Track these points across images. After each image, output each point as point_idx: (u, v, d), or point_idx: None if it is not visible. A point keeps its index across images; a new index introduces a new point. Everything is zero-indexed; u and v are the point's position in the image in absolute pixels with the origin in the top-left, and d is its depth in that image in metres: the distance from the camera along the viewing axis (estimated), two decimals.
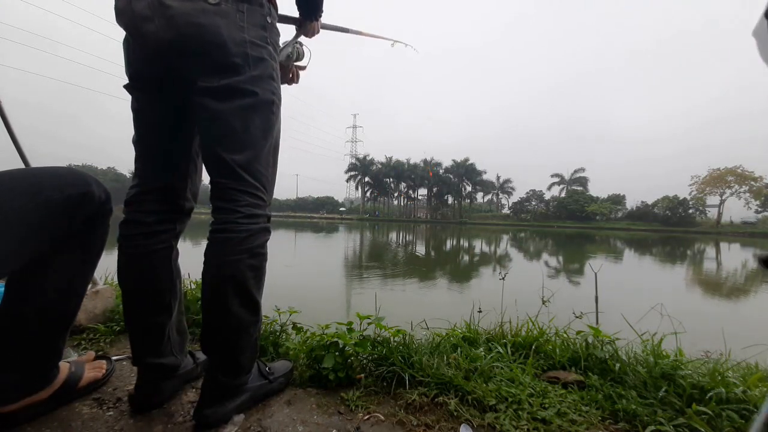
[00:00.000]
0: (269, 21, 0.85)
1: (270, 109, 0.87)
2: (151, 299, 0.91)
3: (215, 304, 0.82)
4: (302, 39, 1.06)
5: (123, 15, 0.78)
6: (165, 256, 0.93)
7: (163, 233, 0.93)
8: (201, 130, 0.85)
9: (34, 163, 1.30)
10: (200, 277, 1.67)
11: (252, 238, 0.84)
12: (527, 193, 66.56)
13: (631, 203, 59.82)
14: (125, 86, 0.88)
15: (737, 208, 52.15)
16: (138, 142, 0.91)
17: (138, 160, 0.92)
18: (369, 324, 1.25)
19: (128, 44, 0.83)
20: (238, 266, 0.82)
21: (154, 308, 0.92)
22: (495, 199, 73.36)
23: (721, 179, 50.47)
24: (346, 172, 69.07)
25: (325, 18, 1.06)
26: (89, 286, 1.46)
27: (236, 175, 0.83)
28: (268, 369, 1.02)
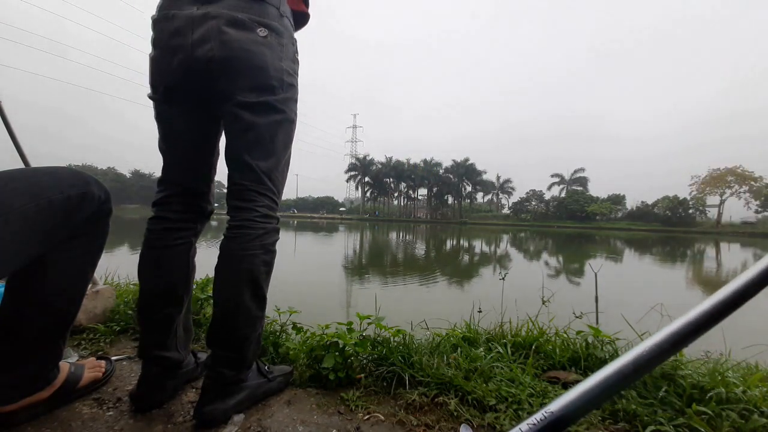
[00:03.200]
0: (297, 57, 1.00)
1: (291, 126, 0.98)
2: (165, 291, 0.95)
3: (229, 294, 0.88)
4: None
5: (179, 36, 0.85)
6: (184, 251, 0.98)
7: (184, 230, 0.99)
8: (232, 137, 0.93)
9: (34, 163, 1.31)
10: (199, 276, 1.68)
11: (266, 235, 0.92)
12: (527, 193, 66.55)
13: (631, 203, 59.84)
14: (153, 98, 0.93)
15: (737, 208, 52.16)
16: (167, 151, 0.97)
17: (166, 167, 0.99)
18: (369, 324, 1.25)
19: (168, 61, 0.88)
20: (253, 260, 0.89)
21: (166, 300, 0.95)
22: (495, 199, 73.34)
23: (721, 179, 50.43)
24: (346, 172, 69.10)
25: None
26: (89, 286, 1.47)
27: (259, 180, 0.92)
28: (267, 368, 1.03)
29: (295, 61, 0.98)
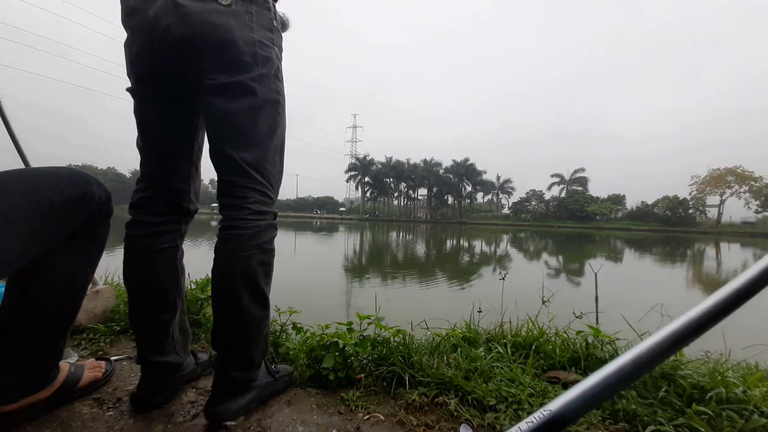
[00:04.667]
0: (275, 24, 0.89)
1: (275, 108, 0.89)
2: (156, 297, 0.93)
3: (227, 299, 0.85)
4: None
5: (135, 15, 0.79)
6: (171, 255, 0.95)
7: (169, 233, 0.95)
8: (210, 129, 0.86)
9: (34, 163, 1.31)
10: (199, 276, 1.68)
11: (261, 234, 0.86)
12: (527, 193, 66.52)
13: (631, 203, 59.82)
14: (129, 90, 0.89)
15: (737, 208, 52.12)
16: (143, 147, 0.93)
17: (143, 165, 0.94)
18: (369, 324, 1.25)
19: (133, 46, 0.83)
20: (248, 262, 0.84)
21: (159, 306, 0.93)
22: (495, 199, 73.30)
23: (721, 179, 50.40)
24: (346, 172, 69.07)
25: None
26: (89, 286, 1.46)
27: (245, 173, 0.85)
28: (274, 368, 1.03)
29: (273, 30, 0.87)
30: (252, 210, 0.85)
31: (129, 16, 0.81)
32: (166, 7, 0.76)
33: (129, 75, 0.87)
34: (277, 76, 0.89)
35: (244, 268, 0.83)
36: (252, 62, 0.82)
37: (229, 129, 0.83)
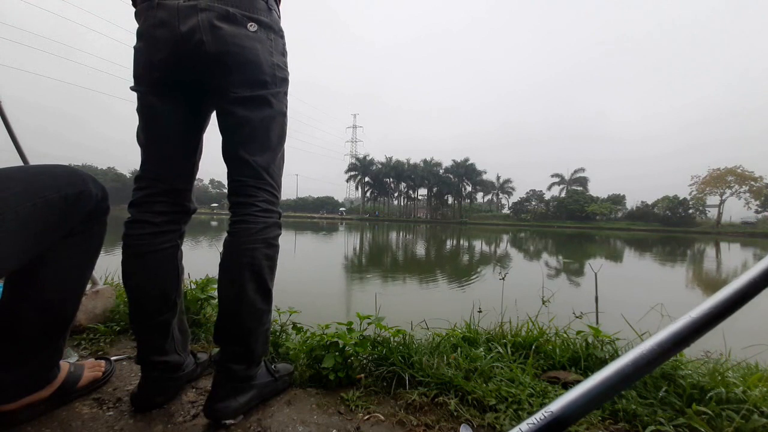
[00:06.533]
0: (286, 49, 1.00)
1: (284, 120, 0.98)
2: (157, 298, 0.93)
3: (233, 289, 0.88)
4: None
5: (164, 27, 0.84)
6: (171, 255, 0.96)
7: (169, 233, 0.96)
8: (227, 133, 0.93)
9: (34, 162, 1.30)
10: (199, 276, 1.68)
11: (267, 229, 0.92)
12: (527, 193, 66.50)
13: (631, 203, 59.79)
14: (138, 90, 0.91)
15: (737, 208, 52.13)
16: (148, 145, 0.94)
17: (146, 163, 0.95)
18: (369, 324, 1.25)
19: (155, 53, 0.86)
20: (254, 254, 0.89)
21: (160, 307, 0.94)
22: (495, 199, 73.29)
23: (721, 179, 50.37)
24: (346, 172, 69.04)
25: None
26: (89, 286, 1.46)
27: (257, 174, 0.92)
28: (274, 367, 1.04)
29: (285, 54, 0.98)
30: (261, 207, 0.92)
31: (156, 27, 0.84)
32: (202, 25, 0.82)
33: (139, 76, 0.90)
34: (287, 93, 0.99)
35: (251, 259, 0.88)
36: (271, 82, 0.92)
37: (246, 135, 0.91)
